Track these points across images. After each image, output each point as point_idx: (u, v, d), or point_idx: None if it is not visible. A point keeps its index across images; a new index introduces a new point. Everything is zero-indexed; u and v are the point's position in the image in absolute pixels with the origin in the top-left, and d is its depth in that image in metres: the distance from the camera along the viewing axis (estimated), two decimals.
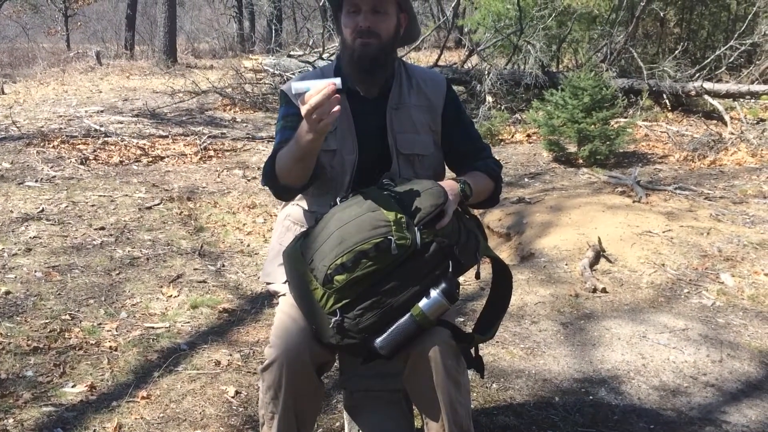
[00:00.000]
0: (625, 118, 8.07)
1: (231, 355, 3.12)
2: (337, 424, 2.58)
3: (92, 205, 5.17)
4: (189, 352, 3.13)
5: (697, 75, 9.04)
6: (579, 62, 10.43)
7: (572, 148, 6.95)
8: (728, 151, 6.98)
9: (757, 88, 8.31)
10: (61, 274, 3.92)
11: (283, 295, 2.04)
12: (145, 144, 7.33)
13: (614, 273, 3.97)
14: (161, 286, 3.84)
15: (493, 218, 4.96)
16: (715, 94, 8.46)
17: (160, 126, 8.46)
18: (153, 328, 3.37)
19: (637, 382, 2.89)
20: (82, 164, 6.38)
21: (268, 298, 3.68)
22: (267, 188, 1.98)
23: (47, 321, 3.35)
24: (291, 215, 2.16)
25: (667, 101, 8.83)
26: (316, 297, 1.77)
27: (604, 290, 3.75)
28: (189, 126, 8.55)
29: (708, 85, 8.50)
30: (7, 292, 3.63)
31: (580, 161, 6.78)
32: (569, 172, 6.55)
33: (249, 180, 6.17)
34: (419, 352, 1.82)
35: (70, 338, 3.19)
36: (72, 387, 2.80)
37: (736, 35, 9.45)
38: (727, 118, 8.10)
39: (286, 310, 1.94)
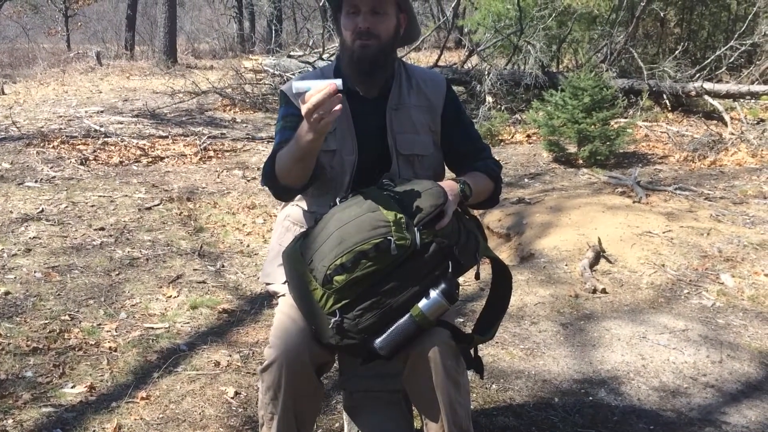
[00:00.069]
0: (626, 118, 8.07)
1: (230, 355, 3.11)
2: (337, 424, 2.58)
3: (92, 206, 5.17)
4: (188, 353, 3.13)
5: (697, 75, 9.03)
6: (579, 62, 10.43)
7: (572, 149, 6.94)
8: (728, 151, 6.97)
9: (757, 88, 8.31)
10: (60, 274, 3.92)
11: (283, 295, 2.04)
12: (145, 144, 7.33)
13: (614, 273, 3.97)
14: (161, 287, 3.84)
15: (492, 219, 4.96)
16: (716, 95, 8.45)
17: (160, 126, 8.46)
18: (152, 328, 3.36)
19: (637, 383, 2.89)
20: (81, 165, 6.38)
21: (268, 299, 3.68)
22: (266, 189, 1.98)
23: (47, 321, 3.34)
24: (290, 216, 2.16)
25: (667, 101, 8.83)
26: (316, 297, 1.77)
27: (603, 291, 3.75)
28: (189, 126, 8.55)
29: (708, 86, 8.50)
30: (7, 293, 3.63)
31: (580, 162, 6.78)
32: (569, 173, 6.55)
33: (249, 180, 6.17)
34: (419, 352, 1.82)
35: (69, 339, 3.19)
36: (71, 388, 2.80)
37: (736, 35, 9.45)
38: (727, 118, 8.10)
39: (285, 310, 1.94)
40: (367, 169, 2.02)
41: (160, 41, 15.66)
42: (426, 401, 1.88)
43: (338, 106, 1.62)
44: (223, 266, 4.21)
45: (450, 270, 1.79)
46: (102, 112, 9.30)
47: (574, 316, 3.50)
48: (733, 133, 7.60)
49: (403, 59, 2.21)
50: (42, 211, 5.00)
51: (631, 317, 3.47)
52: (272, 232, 2.26)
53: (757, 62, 9.80)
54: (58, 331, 3.25)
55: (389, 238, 1.72)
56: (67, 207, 5.11)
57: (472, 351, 1.92)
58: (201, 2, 26.66)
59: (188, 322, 3.45)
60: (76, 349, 3.10)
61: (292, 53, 11.15)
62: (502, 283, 1.97)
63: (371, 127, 2.04)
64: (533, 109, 7.58)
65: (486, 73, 9.05)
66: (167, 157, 6.95)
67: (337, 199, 1.89)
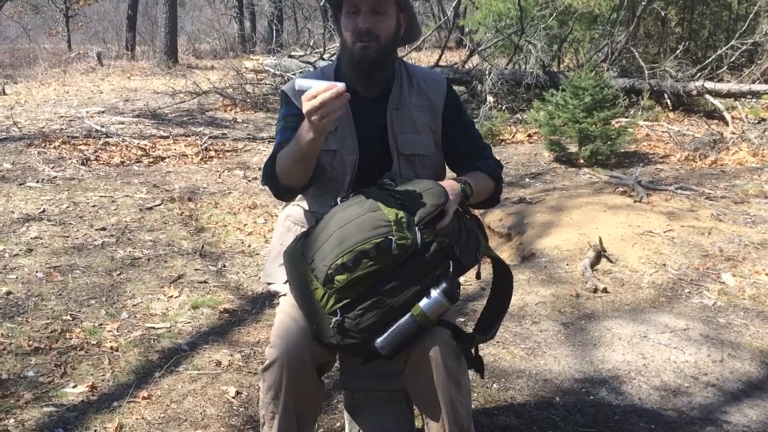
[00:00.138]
0: (626, 117, 8.07)
1: (232, 355, 3.12)
2: (338, 424, 2.58)
3: (93, 206, 5.17)
4: (190, 353, 3.14)
5: (698, 74, 9.03)
6: (580, 62, 10.43)
7: (573, 148, 6.94)
8: (729, 150, 6.97)
9: (758, 87, 8.31)
10: (62, 274, 3.92)
11: (284, 295, 2.04)
12: (146, 144, 7.34)
13: (615, 273, 3.97)
14: (162, 287, 3.84)
15: (493, 218, 4.96)
16: (717, 94, 8.45)
17: (161, 126, 8.47)
18: (154, 328, 3.37)
19: (638, 382, 2.89)
20: (83, 165, 6.39)
21: (269, 299, 3.68)
22: (267, 189, 1.98)
23: (48, 321, 3.35)
24: (292, 216, 2.16)
25: (668, 101, 8.83)
26: (317, 297, 1.77)
27: (605, 290, 3.75)
28: (190, 126, 8.56)
29: (709, 85, 8.50)
30: (8, 293, 3.64)
31: (581, 161, 6.78)
32: (570, 172, 6.55)
33: (250, 180, 6.18)
34: (420, 352, 1.82)
35: (71, 338, 3.20)
36: (73, 387, 2.80)
37: (737, 35, 9.45)
38: (728, 117, 8.10)
39: (286, 310, 1.94)
40: (367, 169, 2.02)
41: (161, 41, 15.66)
42: (427, 401, 1.88)
43: (340, 104, 1.62)
44: (224, 266, 4.21)
45: (451, 269, 1.79)
46: (103, 112, 9.30)
47: (575, 316, 3.50)
48: (734, 133, 7.60)
49: (404, 59, 2.21)
50: (43, 211, 5.00)
51: (632, 316, 3.47)
52: (273, 232, 2.26)
53: (758, 61, 9.79)
54: (59, 330, 3.25)
55: (390, 237, 1.72)
56: (68, 207, 5.11)
57: (472, 350, 1.92)
58: (202, 2, 26.66)
59: (189, 322, 3.45)
60: (78, 349, 3.10)
61: (293, 53, 11.15)
62: (503, 282, 1.97)
63: (372, 127, 2.04)
64: (534, 108, 7.58)
65: (487, 72, 9.05)
66: (168, 157, 6.95)
67: (338, 199, 1.89)
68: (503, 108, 8.88)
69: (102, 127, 8.12)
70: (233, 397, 2.77)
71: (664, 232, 4.36)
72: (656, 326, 3.36)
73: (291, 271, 1.89)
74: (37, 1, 23.67)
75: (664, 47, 10.69)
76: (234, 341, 3.27)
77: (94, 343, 3.18)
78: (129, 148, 7.14)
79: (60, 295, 3.67)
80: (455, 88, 2.41)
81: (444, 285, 1.76)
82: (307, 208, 2.11)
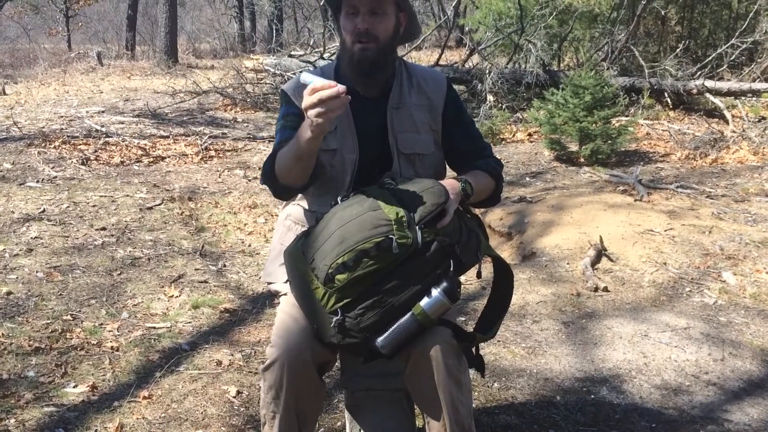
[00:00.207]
0: (627, 116, 8.07)
1: (232, 355, 3.12)
2: (339, 423, 2.58)
3: (93, 206, 5.17)
4: (190, 352, 3.14)
5: (698, 73, 9.02)
6: (580, 61, 10.43)
7: (574, 147, 6.94)
8: (730, 149, 6.97)
9: (758, 86, 8.30)
10: (62, 274, 3.92)
11: (285, 294, 2.04)
12: (146, 144, 7.33)
13: (616, 272, 3.97)
14: (162, 287, 3.84)
15: (494, 217, 4.95)
16: (717, 93, 8.45)
17: (161, 126, 8.47)
18: (154, 328, 3.37)
19: (639, 381, 2.89)
20: (83, 165, 6.39)
21: (270, 298, 3.68)
22: (266, 188, 1.98)
23: (49, 321, 3.35)
24: (292, 215, 2.16)
25: (668, 100, 8.82)
26: (318, 296, 1.77)
27: (605, 289, 3.75)
28: (190, 126, 8.56)
29: (709, 84, 8.50)
30: (9, 293, 3.64)
31: (582, 160, 6.77)
32: (570, 171, 6.55)
33: (250, 180, 6.17)
34: (420, 351, 1.82)
35: (71, 338, 3.20)
36: (73, 387, 2.80)
37: (737, 33, 9.44)
38: (728, 116, 8.09)
39: (287, 309, 1.94)
40: (368, 168, 2.02)
41: (161, 41, 15.66)
42: (428, 400, 1.88)
43: (339, 104, 1.62)
44: (224, 266, 4.21)
45: (451, 269, 1.79)
46: (103, 112, 9.30)
47: (576, 315, 3.50)
48: (734, 131, 7.60)
49: (404, 58, 2.21)
50: (43, 211, 5.00)
51: (633, 315, 3.47)
52: (273, 232, 2.26)
53: (759, 60, 9.79)
54: (60, 330, 3.25)
55: (391, 236, 1.72)
56: (68, 207, 5.11)
57: (473, 349, 1.92)
58: (202, 2, 26.66)
59: (190, 322, 3.45)
60: (78, 349, 3.10)
61: (293, 53, 11.16)
62: (503, 281, 1.97)
63: (372, 126, 2.04)
64: (534, 107, 7.58)
65: (487, 71, 9.04)
66: (168, 156, 6.95)
67: (339, 198, 1.89)
68: (503, 107, 8.87)
69: (102, 126, 8.12)
70: (234, 397, 2.77)
71: (665, 230, 4.36)
72: (657, 325, 3.36)
73: (291, 270, 1.89)
74: (37, 1, 23.67)
75: (664, 46, 10.69)
76: (234, 341, 3.27)
77: (95, 342, 3.18)
78: (129, 148, 7.14)
79: (60, 295, 3.67)
80: (455, 87, 2.40)
81: (445, 284, 1.76)
82: (307, 207, 2.11)
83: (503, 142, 7.86)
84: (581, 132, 6.73)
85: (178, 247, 4.44)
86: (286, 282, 2.02)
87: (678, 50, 9.49)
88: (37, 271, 3.94)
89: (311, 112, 1.64)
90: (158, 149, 7.21)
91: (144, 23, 21.44)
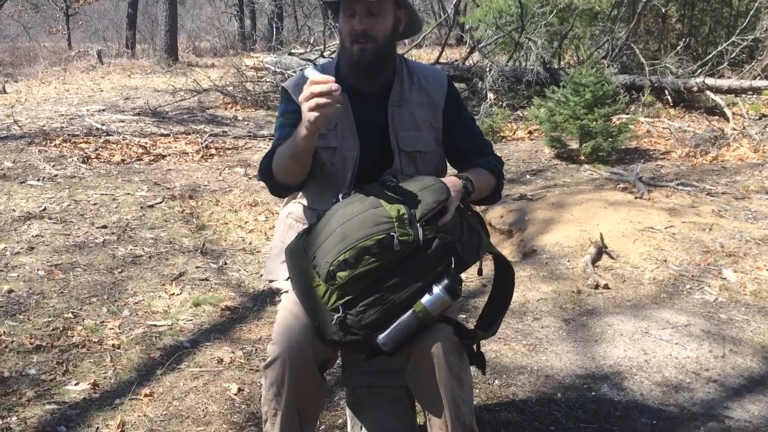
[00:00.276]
0: (627, 114, 8.05)
1: (233, 352, 3.12)
2: (340, 420, 2.58)
3: (94, 204, 5.18)
4: (191, 350, 3.14)
5: (698, 71, 9.02)
6: (580, 59, 10.41)
7: (574, 145, 6.94)
8: (730, 146, 6.96)
9: (759, 83, 8.30)
10: (63, 272, 3.93)
11: (286, 292, 2.04)
12: (146, 142, 7.34)
13: (616, 269, 3.97)
14: (163, 284, 3.85)
15: (494, 215, 4.96)
16: (717, 90, 8.45)
17: (161, 124, 8.47)
18: (155, 325, 3.37)
19: (640, 378, 2.89)
20: (84, 163, 6.39)
21: (270, 296, 3.68)
22: (263, 183, 1.99)
23: (50, 319, 3.35)
24: (293, 213, 2.16)
25: (669, 97, 8.82)
26: (319, 293, 1.77)
27: (606, 286, 3.75)
28: (190, 124, 8.56)
29: (710, 81, 8.49)
30: (10, 291, 3.64)
31: (582, 158, 6.77)
32: (571, 169, 6.54)
33: (251, 178, 6.17)
34: (422, 348, 1.82)
35: (72, 336, 3.20)
36: (75, 385, 2.80)
37: (737, 31, 9.43)
38: (729, 113, 8.09)
39: (288, 307, 1.95)
40: (369, 166, 2.02)
41: (161, 39, 15.66)
42: (429, 397, 1.88)
43: (330, 101, 1.64)
44: (225, 263, 4.21)
45: (453, 266, 1.79)
46: (103, 110, 9.30)
47: (577, 312, 3.50)
48: (735, 129, 7.59)
49: (405, 56, 2.21)
50: (44, 209, 5.00)
51: (634, 313, 3.47)
52: (274, 230, 2.26)
53: (759, 57, 9.78)
54: (61, 328, 3.26)
55: (392, 234, 1.72)
56: (69, 205, 5.11)
57: (474, 347, 1.93)
58: (202, 0, 26.64)
59: (191, 320, 3.45)
60: (80, 347, 3.11)
61: (293, 51, 11.14)
62: (504, 279, 1.98)
63: (373, 124, 2.04)
64: (535, 105, 7.57)
65: (487, 69, 9.04)
66: (169, 155, 6.95)
67: (340, 196, 1.89)
68: (504, 105, 8.87)
69: (102, 125, 8.12)
70: (235, 394, 2.77)
71: (665, 228, 4.36)
72: (657, 322, 3.36)
73: (293, 267, 1.89)
74: None
75: (664, 44, 10.67)
76: (235, 338, 3.28)
77: (96, 340, 3.18)
78: (130, 146, 7.14)
79: (61, 292, 3.67)
80: (456, 85, 2.40)
81: (446, 281, 1.76)
82: (308, 205, 2.11)
83: (504, 140, 7.85)
84: (582, 130, 6.73)
85: (179, 245, 4.44)
86: (287, 279, 2.02)
87: (678, 48, 9.48)
88: (38, 269, 3.94)
89: (304, 106, 1.66)
90: (159, 147, 7.21)
91: (144, 21, 21.42)
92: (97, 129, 7.88)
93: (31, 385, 2.78)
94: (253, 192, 5.69)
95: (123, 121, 8.53)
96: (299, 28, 19.73)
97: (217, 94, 10.30)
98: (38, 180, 5.76)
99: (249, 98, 9.99)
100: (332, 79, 1.64)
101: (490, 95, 8.91)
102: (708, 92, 8.54)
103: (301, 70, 9.31)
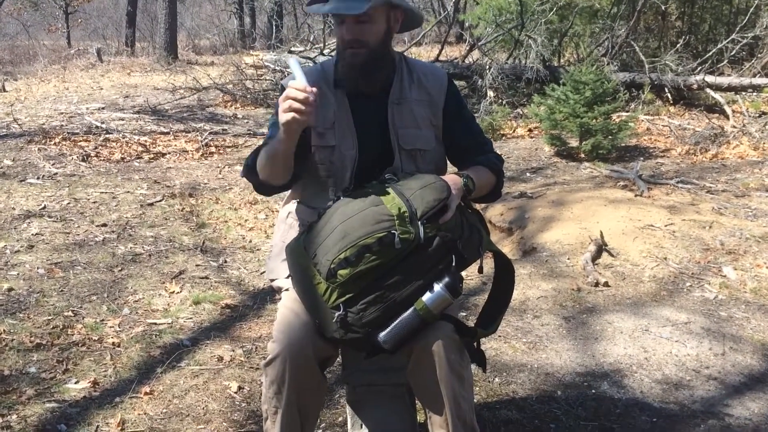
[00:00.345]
0: (627, 112, 8.05)
1: (233, 350, 3.12)
2: (340, 418, 2.58)
3: (94, 202, 5.17)
4: (191, 348, 3.14)
5: (698, 68, 9.01)
6: (580, 56, 10.40)
7: (574, 143, 6.93)
8: (730, 144, 6.96)
9: (759, 81, 8.29)
10: (63, 270, 3.93)
11: (287, 290, 2.04)
12: (146, 141, 7.33)
13: (616, 267, 3.97)
14: (163, 282, 3.85)
15: (495, 213, 4.95)
16: (717, 88, 8.44)
17: (161, 123, 8.46)
18: (155, 324, 3.37)
19: (640, 376, 2.89)
20: (83, 161, 6.39)
21: (270, 294, 3.68)
22: (245, 180, 2.00)
23: (50, 317, 3.35)
24: (293, 213, 2.15)
25: (668, 95, 8.81)
26: (320, 291, 1.77)
27: (606, 284, 3.75)
28: (190, 122, 8.55)
29: (710, 79, 8.48)
30: (10, 289, 3.64)
31: (582, 155, 6.77)
32: (571, 167, 6.54)
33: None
34: (423, 346, 1.82)
35: (72, 335, 3.20)
36: (75, 383, 2.80)
37: (737, 28, 9.43)
38: (729, 111, 8.09)
39: (288, 305, 1.94)
40: (369, 164, 2.02)
41: (161, 37, 15.65)
42: (430, 395, 1.88)
43: (304, 108, 1.67)
44: (225, 262, 4.21)
45: (453, 264, 1.79)
46: (103, 108, 9.29)
47: (577, 310, 3.50)
48: (734, 126, 7.59)
49: (405, 54, 2.20)
50: (44, 207, 5.00)
51: (634, 310, 3.47)
52: (274, 230, 2.26)
53: (759, 55, 9.77)
54: (61, 327, 3.26)
55: (393, 231, 1.72)
56: (69, 203, 5.11)
57: (474, 344, 1.93)
58: None
59: (191, 318, 3.45)
60: (80, 345, 3.11)
61: (293, 49, 11.14)
62: (504, 276, 1.98)
63: (372, 123, 2.04)
64: (535, 103, 7.57)
65: (487, 67, 9.03)
66: (169, 153, 6.95)
67: (341, 194, 1.90)
68: (504, 103, 8.86)
69: (102, 123, 8.12)
70: (235, 392, 2.77)
71: (665, 225, 4.36)
72: (658, 320, 3.36)
73: (293, 265, 1.89)
74: None
75: (664, 41, 10.67)
76: (235, 336, 3.28)
77: (96, 339, 3.18)
78: (129, 145, 7.14)
79: (61, 291, 3.67)
80: (455, 83, 2.40)
81: (447, 279, 1.76)
82: (308, 204, 2.11)
83: (503, 138, 7.85)
84: (581, 127, 6.72)
85: (179, 243, 4.44)
86: (287, 277, 2.02)
87: (678, 45, 9.48)
88: (38, 268, 3.94)
89: (280, 110, 1.69)
90: (158, 146, 7.21)
91: (144, 20, 21.41)
92: (97, 127, 7.88)
93: (31, 383, 2.78)
94: (252, 190, 5.68)
95: (123, 120, 8.53)
96: (299, 25, 19.70)
97: (216, 92, 10.30)
98: (38, 178, 5.76)
99: (249, 96, 9.99)
100: (310, 88, 1.67)
101: (490, 93, 8.90)
102: (708, 90, 8.53)
103: (301, 67, 9.33)
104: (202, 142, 7.32)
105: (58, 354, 3.02)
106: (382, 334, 1.76)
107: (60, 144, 6.99)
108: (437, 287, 1.76)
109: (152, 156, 6.77)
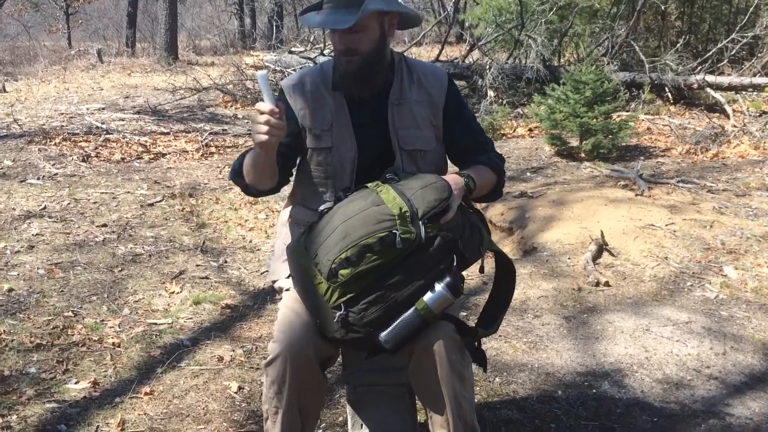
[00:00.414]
0: (627, 111, 8.05)
1: (234, 350, 3.12)
2: (341, 418, 2.58)
3: (94, 202, 5.17)
4: (192, 348, 3.14)
5: (699, 68, 9.01)
6: (580, 56, 10.40)
7: (574, 142, 6.93)
8: (731, 143, 6.96)
9: (759, 80, 8.29)
10: (63, 271, 3.92)
11: (287, 290, 2.04)
12: (146, 141, 7.33)
13: (617, 266, 3.97)
14: (164, 283, 3.84)
15: (495, 212, 4.95)
16: (718, 87, 8.44)
17: (161, 123, 8.46)
18: (156, 324, 3.37)
19: (641, 375, 2.89)
20: (84, 161, 6.38)
21: (271, 294, 3.68)
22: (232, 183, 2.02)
23: (50, 318, 3.35)
24: (294, 216, 2.15)
25: (669, 94, 8.81)
26: (321, 291, 1.77)
27: (606, 284, 3.75)
28: (190, 123, 8.55)
29: (710, 78, 8.48)
30: (10, 290, 3.64)
31: (583, 155, 6.77)
32: (571, 166, 6.54)
33: None
34: (424, 346, 1.82)
35: (72, 335, 3.20)
36: (75, 383, 2.80)
37: (737, 28, 9.43)
38: (729, 110, 8.08)
39: (289, 304, 1.94)
40: (369, 165, 2.02)
41: (161, 38, 15.65)
42: (431, 394, 1.88)
43: (266, 129, 1.73)
44: (225, 262, 4.21)
45: (455, 264, 1.79)
46: (103, 109, 9.29)
47: (577, 309, 3.50)
48: (735, 126, 7.59)
49: (405, 53, 2.20)
50: (44, 208, 5.00)
51: (634, 310, 3.47)
52: (275, 233, 2.25)
53: (759, 54, 9.77)
54: (61, 327, 3.26)
55: (394, 231, 1.72)
56: (69, 204, 5.11)
57: (475, 344, 1.92)
58: None
59: (191, 318, 3.45)
60: (80, 345, 3.11)
61: (293, 49, 11.13)
62: (505, 276, 1.97)
63: (372, 124, 2.04)
64: (535, 103, 7.57)
65: (487, 67, 9.03)
66: (169, 153, 6.95)
67: (342, 194, 1.90)
68: (504, 102, 8.86)
69: (102, 123, 8.12)
70: (235, 393, 2.77)
71: (666, 225, 4.35)
72: (658, 319, 3.36)
73: (294, 265, 1.89)
74: None
75: (664, 41, 10.67)
76: (236, 336, 3.27)
77: (96, 339, 3.18)
78: (130, 145, 7.14)
79: (61, 291, 3.67)
80: (456, 83, 2.39)
81: (448, 279, 1.76)
82: (309, 206, 2.10)
83: (504, 138, 7.85)
84: (582, 127, 6.72)
85: (179, 244, 4.44)
86: (288, 277, 2.02)
87: (678, 45, 9.47)
88: (38, 268, 3.94)
89: (251, 128, 1.74)
90: (159, 146, 7.21)
91: (144, 20, 21.41)
92: (97, 127, 7.87)
93: (31, 383, 2.78)
94: None
95: (123, 120, 8.53)
96: (299, 26, 19.68)
97: (217, 92, 10.30)
98: (38, 179, 5.76)
99: (249, 96, 9.99)
100: (276, 109, 1.71)
101: (490, 93, 8.90)
102: (708, 89, 8.53)
103: (301, 68, 9.28)
104: (202, 142, 7.31)
105: (58, 354, 3.02)
106: (383, 333, 1.76)
107: (60, 144, 6.99)
108: (438, 287, 1.75)
109: (152, 156, 6.77)
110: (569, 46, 10.93)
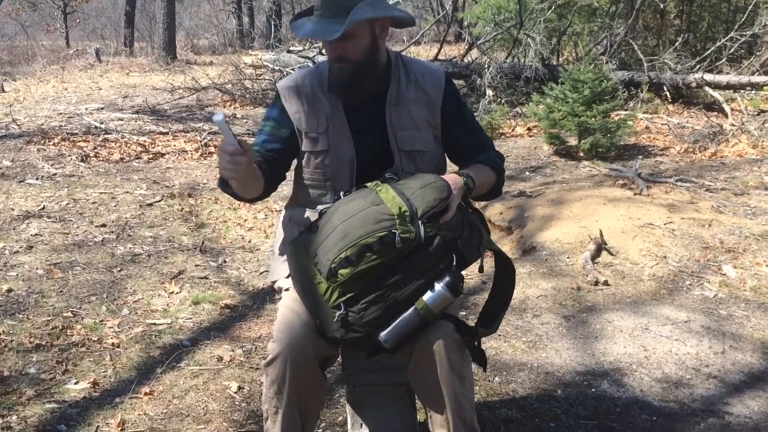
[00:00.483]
0: (626, 110, 8.06)
1: (233, 350, 3.12)
2: (340, 418, 2.58)
3: (93, 203, 5.17)
4: (191, 348, 3.14)
5: (697, 67, 9.02)
6: (579, 55, 10.41)
7: (573, 141, 6.94)
8: (729, 142, 6.96)
9: (757, 79, 8.30)
10: (62, 271, 3.92)
11: (287, 289, 2.04)
12: (145, 141, 7.33)
13: (616, 266, 3.97)
14: (163, 283, 3.84)
15: (494, 212, 4.95)
16: (716, 86, 8.44)
17: (160, 123, 8.46)
18: (155, 324, 3.37)
19: (640, 374, 2.89)
20: (82, 161, 6.38)
21: (270, 294, 3.68)
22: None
23: (49, 318, 3.35)
24: (294, 218, 2.15)
25: (667, 93, 8.82)
26: (320, 291, 1.77)
27: (605, 283, 3.75)
28: (189, 122, 8.55)
29: (708, 77, 8.49)
30: (9, 290, 3.63)
31: (581, 154, 6.77)
32: (570, 165, 6.54)
33: None
34: (423, 345, 1.83)
35: (72, 335, 3.20)
36: (75, 384, 2.80)
37: (736, 26, 9.43)
38: (727, 109, 8.09)
39: (289, 304, 1.94)
40: (367, 167, 2.02)
41: (159, 37, 15.64)
42: (431, 394, 1.88)
43: (232, 167, 1.72)
44: (224, 262, 4.21)
45: (454, 263, 1.79)
46: (102, 108, 9.29)
47: (576, 309, 3.50)
48: (733, 125, 7.59)
49: (403, 53, 2.20)
50: (43, 208, 5.00)
51: (633, 309, 3.47)
52: (275, 233, 2.25)
53: (758, 53, 9.79)
54: (60, 327, 3.25)
55: (394, 231, 1.72)
56: (68, 204, 5.11)
57: (475, 343, 1.93)
58: None
59: (190, 318, 3.45)
60: (79, 346, 3.11)
61: (291, 48, 11.12)
62: (505, 276, 1.98)
63: (370, 125, 2.03)
64: (533, 102, 7.57)
65: (486, 66, 9.03)
66: (168, 153, 6.94)
67: (341, 193, 1.90)
68: (502, 102, 8.86)
69: (101, 123, 8.11)
70: (235, 392, 2.77)
71: (665, 224, 4.36)
72: (657, 318, 3.36)
73: (293, 265, 1.89)
74: None
75: (663, 39, 10.67)
76: (235, 336, 3.28)
77: (95, 339, 3.18)
78: (128, 145, 7.14)
79: (61, 291, 3.67)
80: (454, 82, 2.39)
81: (447, 278, 1.76)
82: (309, 208, 2.10)
83: (502, 137, 7.85)
84: (580, 126, 6.73)
85: (178, 244, 4.44)
86: (287, 277, 2.02)
87: (677, 44, 9.48)
88: (37, 268, 3.93)
89: (218, 164, 1.75)
90: (157, 146, 7.21)
91: (142, 19, 21.40)
92: (96, 127, 7.87)
93: (31, 384, 2.78)
94: None
95: (122, 120, 8.52)
96: None
97: (215, 92, 10.29)
98: (37, 179, 5.75)
99: (247, 96, 9.98)
100: (236, 148, 1.69)
101: (489, 92, 8.90)
102: (706, 88, 8.54)
103: (300, 67, 9.27)
104: (201, 142, 7.31)
105: (57, 355, 3.02)
106: (383, 333, 1.76)
107: (59, 144, 6.98)
108: (438, 286, 1.76)
109: (151, 156, 6.77)
110: (568, 45, 10.94)
